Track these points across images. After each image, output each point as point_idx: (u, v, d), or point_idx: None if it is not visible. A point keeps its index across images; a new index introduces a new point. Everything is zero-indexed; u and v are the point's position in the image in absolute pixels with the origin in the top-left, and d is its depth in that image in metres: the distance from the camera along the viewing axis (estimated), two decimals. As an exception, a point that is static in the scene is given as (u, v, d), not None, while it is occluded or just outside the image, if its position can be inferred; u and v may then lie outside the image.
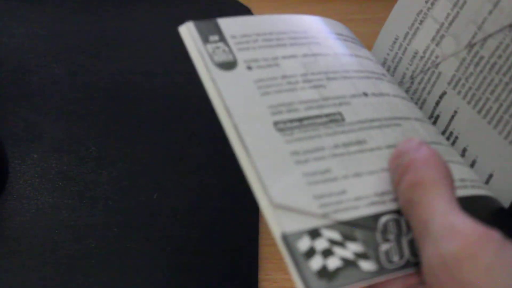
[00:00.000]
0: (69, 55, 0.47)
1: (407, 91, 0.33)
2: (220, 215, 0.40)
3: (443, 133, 0.31)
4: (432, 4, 0.32)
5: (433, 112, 0.32)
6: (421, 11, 0.33)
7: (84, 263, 0.37)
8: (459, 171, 0.28)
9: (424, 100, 0.32)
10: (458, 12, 0.31)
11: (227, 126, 0.25)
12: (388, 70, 0.35)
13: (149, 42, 0.48)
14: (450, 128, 0.31)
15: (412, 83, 0.33)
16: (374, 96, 0.29)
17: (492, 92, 0.28)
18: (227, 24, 0.29)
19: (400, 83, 0.34)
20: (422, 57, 0.33)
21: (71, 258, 0.38)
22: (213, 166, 0.42)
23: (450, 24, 0.31)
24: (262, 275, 0.38)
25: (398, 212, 0.25)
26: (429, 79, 0.32)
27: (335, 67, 0.29)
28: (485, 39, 0.29)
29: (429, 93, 0.32)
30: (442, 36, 0.31)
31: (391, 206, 0.25)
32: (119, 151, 0.42)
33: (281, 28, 0.30)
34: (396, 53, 0.34)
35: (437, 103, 0.31)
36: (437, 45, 0.32)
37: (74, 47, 0.48)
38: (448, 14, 0.31)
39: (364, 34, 0.48)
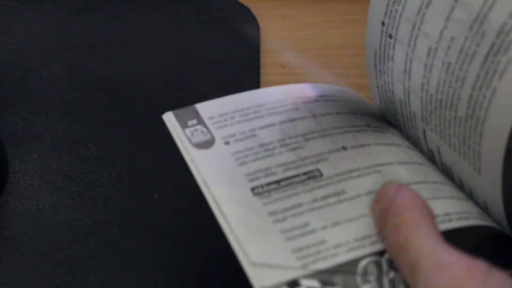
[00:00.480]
0: (69, 55, 0.47)
1: (404, 130, 0.33)
2: (220, 215, 0.40)
3: (441, 165, 0.31)
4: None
5: (427, 147, 0.32)
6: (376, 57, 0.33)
7: (84, 263, 0.37)
8: (444, 205, 0.28)
9: (418, 137, 0.32)
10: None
11: (207, 198, 0.27)
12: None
13: (149, 42, 0.48)
14: (443, 161, 0.31)
15: (404, 121, 0.33)
16: (353, 149, 0.30)
17: (449, 127, 0.28)
18: (205, 107, 0.31)
19: (397, 124, 0.34)
20: (396, 100, 0.33)
21: (71, 258, 0.38)
22: (213, 166, 0.42)
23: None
24: (262, 275, 0.38)
25: (378, 254, 0.25)
26: (409, 118, 0.32)
27: (313, 128, 0.30)
28: (428, 77, 0.29)
29: (416, 130, 0.32)
30: (392, 82, 0.32)
31: (371, 249, 0.25)
32: (119, 151, 0.42)
33: (259, 101, 0.32)
34: (380, 102, 0.35)
35: (425, 139, 0.32)
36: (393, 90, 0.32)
37: (74, 47, 0.48)
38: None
39: (364, 34, 0.48)
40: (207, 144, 0.30)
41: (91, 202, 0.40)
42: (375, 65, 0.33)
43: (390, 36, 0.31)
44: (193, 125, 0.31)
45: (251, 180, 0.28)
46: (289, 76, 0.46)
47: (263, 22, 0.49)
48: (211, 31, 0.49)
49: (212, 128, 0.30)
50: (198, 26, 0.49)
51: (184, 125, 0.31)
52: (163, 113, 0.45)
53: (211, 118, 0.31)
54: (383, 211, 0.25)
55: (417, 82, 0.30)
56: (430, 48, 0.28)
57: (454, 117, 0.28)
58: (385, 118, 0.35)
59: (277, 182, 0.28)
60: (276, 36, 0.48)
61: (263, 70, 0.46)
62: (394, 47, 0.31)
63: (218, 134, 0.30)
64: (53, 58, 0.47)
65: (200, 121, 0.31)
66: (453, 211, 0.28)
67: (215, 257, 0.38)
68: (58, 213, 0.39)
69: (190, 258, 0.38)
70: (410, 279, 0.23)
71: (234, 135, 0.30)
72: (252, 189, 0.27)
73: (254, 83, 0.45)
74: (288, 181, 0.28)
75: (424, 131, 0.31)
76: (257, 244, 0.25)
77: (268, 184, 0.28)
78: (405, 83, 0.31)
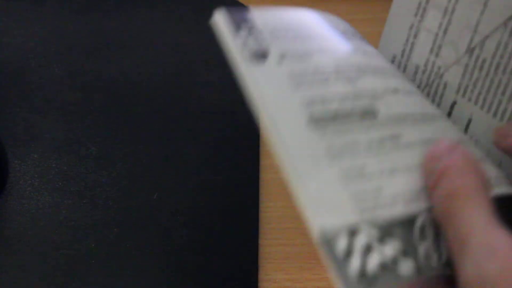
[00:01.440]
0: (69, 55, 0.47)
1: None
2: (220, 215, 0.40)
3: None
4: (422, 16, 0.32)
5: None
6: (412, 25, 0.32)
7: (84, 263, 0.37)
8: (493, 168, 0.27)
9: None
10: (450, 19, 0.30)
11: (264, 120, 0.25)
12: None
13: (149, 42, 0.48)
14: (468, 135, 0.30)
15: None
16: (404, 93, 0.29)
17: (503, 93, 0.28)
18: (259, 14, 0.28)
19: None
20: (424, 71, 0.32)
21: (71, 258, 0.38)
22: (213, 165, 0.42)
23: (445, 32, 0.31)
24: (262, 275, 0.38)
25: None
26: (435, 91, 0.31)
27: (366, 62, 0.29)
28: (483, 41, 0.28)
29: (438, 104, 0.31)
30: (440, 46, 0.31)
31: (428, 204, 0.24)
32: (119, 151, 0.42)
33: (310, 22, 0.29)
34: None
35: (449, 114, 0.31)
36: (436, 56, 0.31)
37: (74, 47, 0.48)
38: (441, 24, 0.31)
39: (364, 34, 0.48)
40: (262, 55, 0.27)
41: (91, 202, 0.40)
42: (407, 40, 0.33)
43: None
44: (247, 29, 0.27)
45: (307, 107, 0.25)
46: (289, 76, 0.46)
47: (263, 22, 0.49)
48: (211, 31, 0.49)
49: (266, 37, 0.27)
50: (198, 26, 0.49)
51: (237, 28, 0.27)
52: (163, 113, 0.45)
53: (265, 25, 0.27)
54: (437, 173, 0.24)
55: (463, 49, 0.29)
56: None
57: None
58: None
59: (334, 113, 0.26)
60: (276, 36, 0.48)
61: (263, 70, 0.46)
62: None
63: (273, 46, 0.27)
64: (53, 58, 0.47)
65: (254, 27, 0.27)
66: (499, 174, 0.27)
67: (215, 257, 0.38)
68: (58, 213, 0.39)
69: (190, 258, 0.38)
70: (456, 255, 0.22)
71: (288, 51, 0.27)
72: (310, 117, 0.25)
73: (254, 83, 0.45)
74: (344, 113, 0.26)
75: (454, 104, 0.31)
76: (317, 178, 0.23)
77: (325, 112, 0.25)
78: None
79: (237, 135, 0.43)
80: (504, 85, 0.28)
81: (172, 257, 0.38)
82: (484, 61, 0.28)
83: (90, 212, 0.39)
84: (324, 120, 0.26)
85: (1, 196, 0.40)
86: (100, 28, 0.49)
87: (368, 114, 0.26)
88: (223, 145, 0.42)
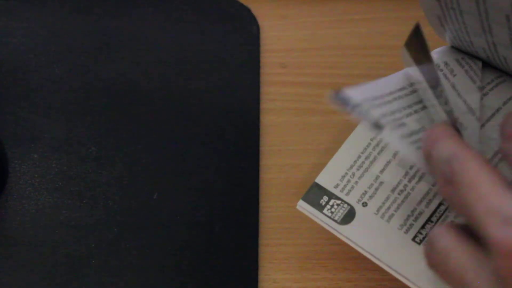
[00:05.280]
0: (69, 55, 0.47)
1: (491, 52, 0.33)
2: (220, 215, 0.40)
3: None
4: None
5: None
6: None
7: (84, 263, 0.37)
8: None
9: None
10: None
11: (382, 266, 0.29)
12: None
13: (149, 42, 0.48)
14: None
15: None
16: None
17: None
18: (324, 178, 0.32)
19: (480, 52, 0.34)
20: None
21: (71, 258, 0.38)
22: (213, 166, 0.42)
23: None
24: (262, 275, 0.38)
25: None
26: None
27: None
28: None
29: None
30: None
31: None
32: (119, 151, 0.42)
33: (366, 147, 0.33)
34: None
35: None
36: None
37: (74, 47, 0.48)
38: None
39: (364, 34, 0.48)
40: (350, 215, 0.31)
41: (91, 202, 0.40)
42: None
43: None
44: (327, 202, 0.31)
45: (407, 231, 0.29)
46: (289, 76, 0.46)
47: (263, 22, 0.49)
48: (211, 31, 0.49)
49: (343, 196, 0.31)
50: (198, 26, 0.49)
51: (320, 207, 0.31)
52: (163, 113, 0.45)
53: (336, 186, 0.32)
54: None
55: None
56: None
57: None
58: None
59: (430, 219, 0.30)
60: (276, 36, 0.48)
61: (263, 70, 0.46)
62: None
63: (352, 200, 0.31)
64: (53, 58, 0.47)
65: (329, 194, 0.32)
66: None
67: (215, 257, 0.38)
68: (58, 213, 0.39)
69: (190, 258, 0.38)
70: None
71: (365, 193, 0.31)
72: (414, 239, 0.29)
73: (254, 83, 0.45)
74: (439, 216, 0.30)
75: None
76: None
77: (423, 227, 0.29)
78: None
79: (237, 135, 0.43)
80: None
81: (172, 257, 0.38)
82: None
83: (90, 212, 0.39)
84: (425, 234, 0.30)
85: (1, 196, 0.40)
86: (100, 28, 0.49)
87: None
88: (223, 145, 0.42)
